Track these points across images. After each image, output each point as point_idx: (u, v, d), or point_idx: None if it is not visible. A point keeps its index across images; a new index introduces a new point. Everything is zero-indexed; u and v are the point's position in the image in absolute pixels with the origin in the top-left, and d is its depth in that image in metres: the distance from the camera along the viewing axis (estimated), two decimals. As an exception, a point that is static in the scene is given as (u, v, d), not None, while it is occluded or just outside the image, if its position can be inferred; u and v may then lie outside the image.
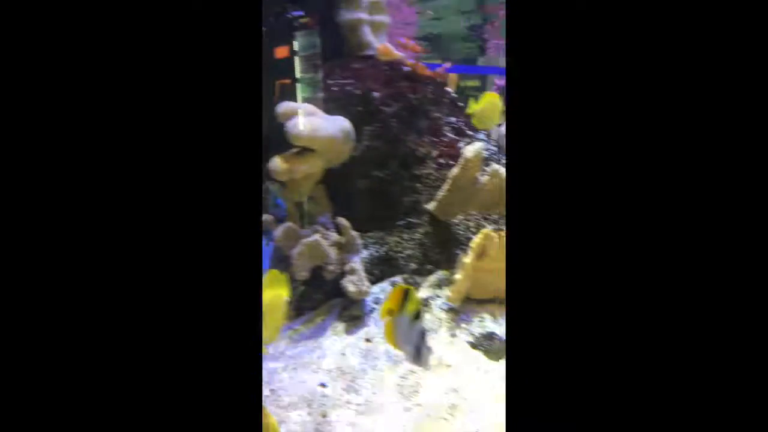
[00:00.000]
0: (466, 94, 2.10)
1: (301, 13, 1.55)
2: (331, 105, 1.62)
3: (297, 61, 1.55)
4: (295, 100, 1.48)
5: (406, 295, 0.86)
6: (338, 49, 1.88)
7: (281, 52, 1.54)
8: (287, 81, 1.57)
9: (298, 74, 1.56)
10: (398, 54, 1.69)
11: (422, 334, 0.87)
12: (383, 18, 2.02)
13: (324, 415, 1.02)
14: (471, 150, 1.34)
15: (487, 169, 1.38)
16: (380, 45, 1.69)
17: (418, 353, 0.85)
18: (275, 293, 0.90)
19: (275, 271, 0.92)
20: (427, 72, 1.73)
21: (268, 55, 1.51)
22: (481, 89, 3.42)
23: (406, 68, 1.73)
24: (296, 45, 1.55)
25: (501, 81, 3.44)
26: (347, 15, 1.88)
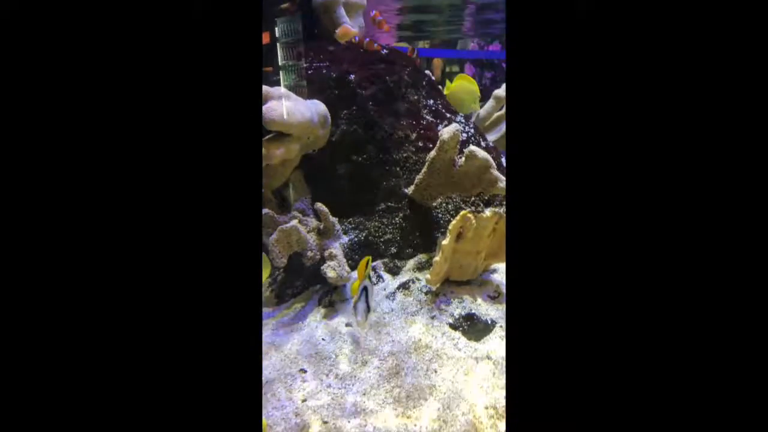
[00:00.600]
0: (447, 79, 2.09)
1: None
2: (298, 90, 1.59)
3: (279, 47, 1.52)
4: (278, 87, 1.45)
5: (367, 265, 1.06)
6: (313, 31, 1.85)
7: (262, 38, 1.50)
8: (269, 69, 1.53)
9: (280, 61, 1.53)
10: (355, 32, 1.66)
11: (365, 292, 1.02)
12: (359, 0, 1.98)
13: (304, 400, 1.02)
14: (447, 132, 1.33)
15: (464, 150, 1.37)
16: (340, 28, 1.66)
17: (356, 310, 0.98)
18: None
19: None
20: (374, 47, 1.72)
21: None
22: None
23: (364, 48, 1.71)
24: (278, 31, 1.51)
25: (472, 68, 3.43)
26: (322, -4, 1.84)
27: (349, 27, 1.66)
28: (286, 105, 1.36)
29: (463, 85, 2.06)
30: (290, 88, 1.51)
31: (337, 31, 1.65)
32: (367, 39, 1.69)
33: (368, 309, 1.05)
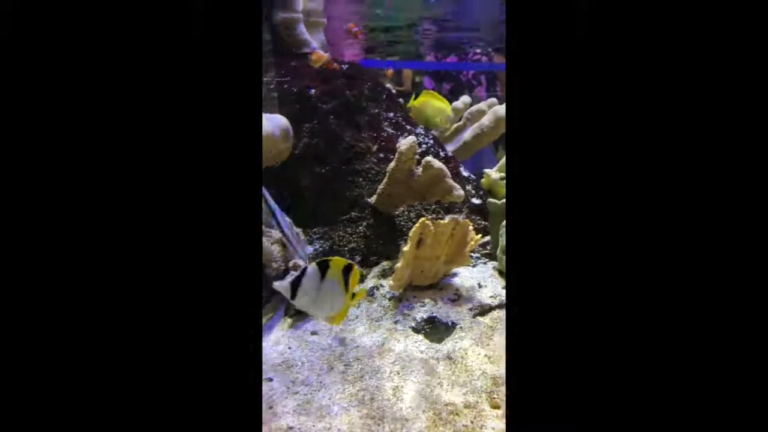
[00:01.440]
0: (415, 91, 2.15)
1: None
2: (267, 104, 1.63)
3: None
4: None
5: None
6: (276, 47, 1.89)
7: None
8: None
9: None
10: (329, 59, 1.72)
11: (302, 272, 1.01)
12: (319, 18, 2.04)
13: (270, 407, 1.04)
14: (404, 144, 1.39)
15: (421, 161, 1.44)
16: (313, 53, 1.72)
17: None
18: None
19: None
20: (335, 66, 1.78)
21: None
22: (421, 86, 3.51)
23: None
24: None
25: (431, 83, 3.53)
26: (283, 14, 1.89)
27: (321, 53, 1.71)
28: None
29: (429, 103, 2.05)
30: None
31: (310, 56, 1.70)
32: (330, 57, 1.75)
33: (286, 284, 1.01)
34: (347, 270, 1.04)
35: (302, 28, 1.92)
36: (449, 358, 1.19)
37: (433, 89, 3.56)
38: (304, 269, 1.02)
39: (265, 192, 1.08)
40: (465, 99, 2.25)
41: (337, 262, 1.04)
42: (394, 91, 2.04)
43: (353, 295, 1.07)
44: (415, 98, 2.07)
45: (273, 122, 1.49)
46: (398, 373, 1.13)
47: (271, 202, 1.11)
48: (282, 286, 1.02)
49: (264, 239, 1.39)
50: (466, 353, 1.18)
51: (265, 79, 1.63)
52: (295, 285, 1.01)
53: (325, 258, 1.05)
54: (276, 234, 1.50)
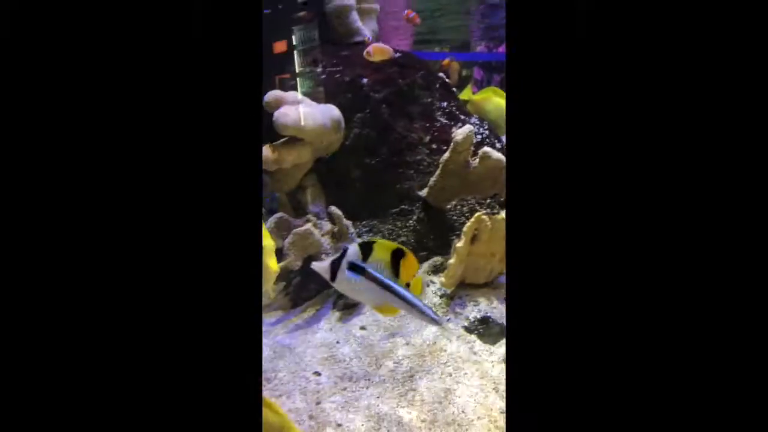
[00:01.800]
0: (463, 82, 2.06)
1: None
2: (318, 94, 1.61)
3: (296, 55, 1.55)
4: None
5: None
6: (327, 37, 1.87)
7: (280, 47, 1.53)
8: (287, 75, 1.56)
9: (297, 68, 1.55)
10: (391, 54, 1.61)
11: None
12: (372, 5, 1.99)
13: (318, 402, 1.02)
14: (461, 134, 1.32)
15: (478, 152, 1.36)
16: (373, 47, 1.59)
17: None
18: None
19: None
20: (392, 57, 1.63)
21: (268, 49, 1.51)
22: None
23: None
24: (295, 39, 1.54)
25: (484, 75, 3.39)
26: (334, 2, 1.86)
27: (383, 46, 1.58)
28: (299, 110, 1.38)
29: (491, 100, 1.86)
30: (307, 94, 1.52)
31: (369, 50, 1.57)
32: (392, 53, 1.63)
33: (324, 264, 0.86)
34: (397, 255, 0.86)
35: (355, 16, 1.88)
36: (504, 361, 1.11)
37: (481, 80, 3.41)
38: (345, 249, 0.87)
39: (373, 272, 0.87)
40: None
41: (384, 244, 0.87)
42: (447, 80, 1.96)
43: (407, 284, 0.89)
44: (461, 91, 1.97)
45: (324, 112, 1.47)
46: (450, 375, 1.08)
47: (386, 281, 0.88)
48: (321, 266, 0.89)
49: (314, 230, 1.37)
50: (524, 358, 1.11)
51: (318, 69, 1.61)
52: (335, 266, 0.87)
53: (371, 240, 0.92)
54: (326, 226, 1.48)
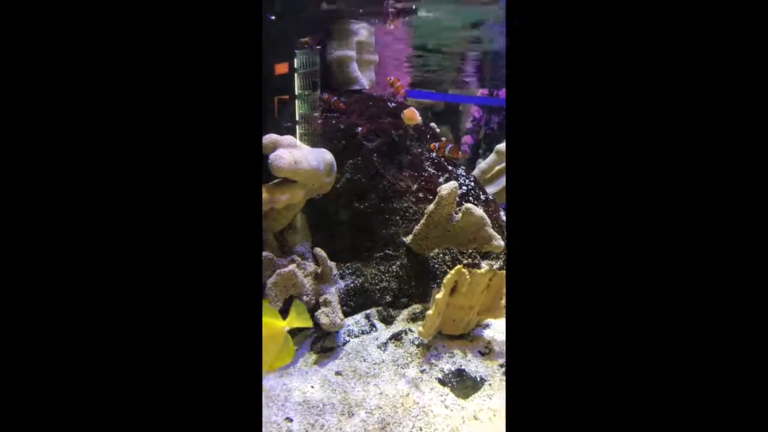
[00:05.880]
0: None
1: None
2: (315, 138, 1.67)
3: (296, 77, 1.61)
4: (293, 115, 1.55)
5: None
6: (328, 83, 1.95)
7: (281, 68, 1.60)
8: (286, 96, 1.62)
9: (297, 90, 1.62)
10: (419, 118, 1.73)
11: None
12: (372, 56, 2.10)
13: (287, 451, 1.01)
14: (446, 189, 1.38)
15: (462, 206, 1.42)
16: (406, 112, 1.71)
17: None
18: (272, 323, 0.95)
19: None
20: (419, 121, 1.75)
21: (269, 70, 1.58)
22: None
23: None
24: (296, 62, 1.61)
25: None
26: (336, 51, 1.95)
27: (414, 112, 1.72)
28: (294, 154, 1.43)
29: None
30: (304, 116, 1.59)
31: (403, 114, 1.72)
32: (421, 119, 1.75)
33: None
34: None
35: (354, 66, 1.97)
36: (475, 418, 1.13)
37: (479, 119, 3.41)
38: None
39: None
40: None
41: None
42: (437, 131, 2.05)
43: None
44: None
45: (318, 156, 1.52)
46: (421, 429, 1.09)
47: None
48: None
49: (298, 272, 1.39)
50: (494, 415, 1.12)
51: (314, 114, 1.68)
52: None
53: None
54: (310, 266, 1.51)
